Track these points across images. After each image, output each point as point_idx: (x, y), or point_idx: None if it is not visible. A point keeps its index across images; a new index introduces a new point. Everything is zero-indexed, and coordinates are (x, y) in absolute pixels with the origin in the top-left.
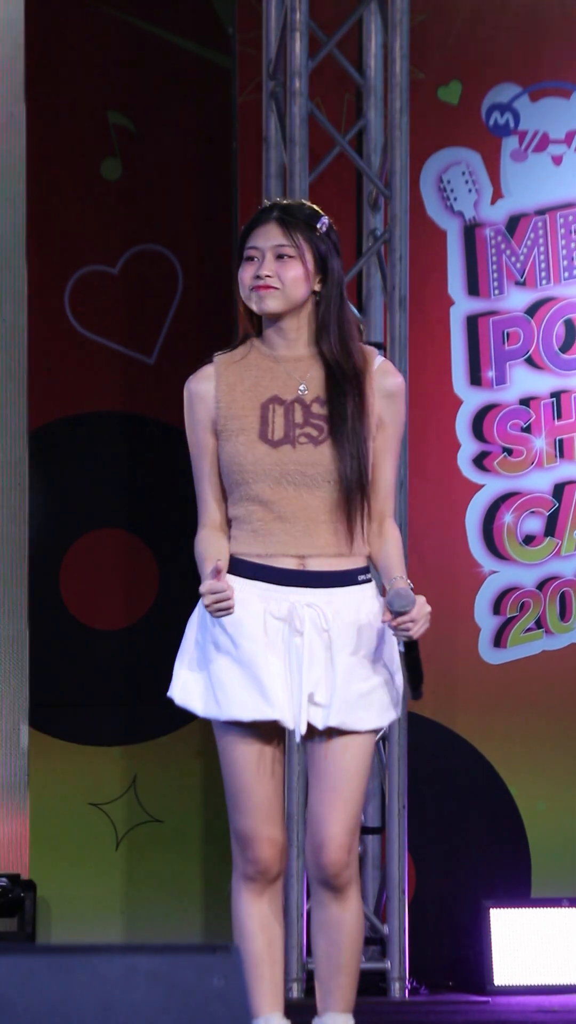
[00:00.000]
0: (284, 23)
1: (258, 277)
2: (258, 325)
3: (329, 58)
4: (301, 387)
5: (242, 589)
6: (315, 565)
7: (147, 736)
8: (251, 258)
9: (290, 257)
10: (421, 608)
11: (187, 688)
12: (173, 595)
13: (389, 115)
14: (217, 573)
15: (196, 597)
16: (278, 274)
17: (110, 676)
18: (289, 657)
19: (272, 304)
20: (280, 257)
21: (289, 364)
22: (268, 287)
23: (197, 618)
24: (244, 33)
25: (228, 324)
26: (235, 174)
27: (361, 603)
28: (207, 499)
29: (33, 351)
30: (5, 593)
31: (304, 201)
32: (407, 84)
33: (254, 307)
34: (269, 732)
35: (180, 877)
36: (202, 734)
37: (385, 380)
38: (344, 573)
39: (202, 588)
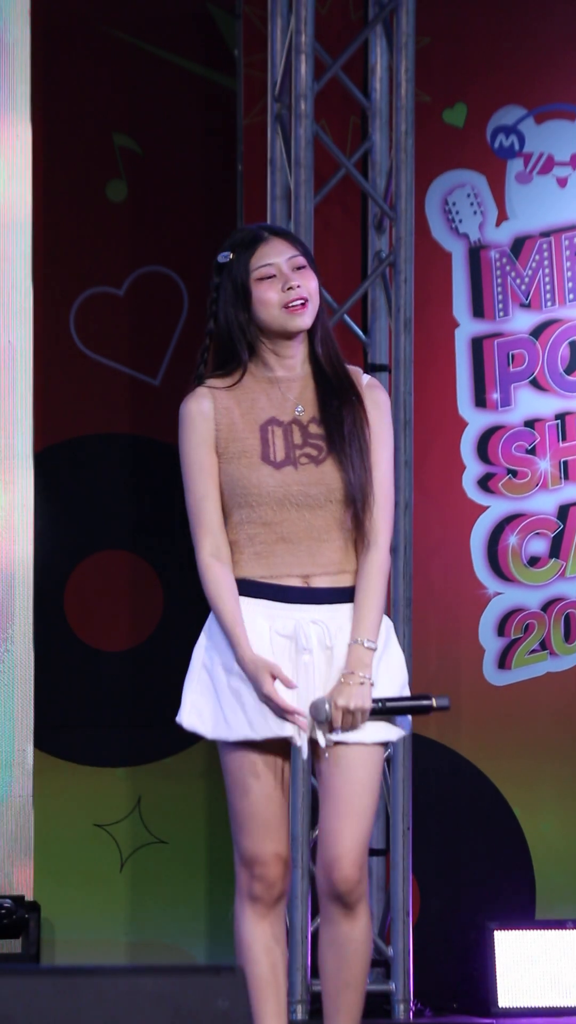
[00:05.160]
0: (289, 45)
1: (290, 289)
2: (251, 345)
3: (334, 81)
4: (298, 409)
5: (247, 608)
6: (319, 582)
7: (152, 757)
8: (269, 276)
9: (304, 268)
10: (342, 718)
11: (195, 712)
12: (178, 617)
13: (394, 137)
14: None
15: (201, 619)
16: (304, 285)
17: (115, 697)
18: (296, 674)
19: (308, 319)
20: (297, 269)
21: (283, 384)
22: (303, 300)
23: (204, 642)
24: (249, 55)
25: None
26: (240, 196)
27: None
28: (209, 521)
29: (39, 372)
30: (10, 614)
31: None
32: (412, 106)
33: (285, 326)
34: (276, 751)
35: (185, 898)
36: (206, 755)
37: (372, 393)
38: (347, 590)
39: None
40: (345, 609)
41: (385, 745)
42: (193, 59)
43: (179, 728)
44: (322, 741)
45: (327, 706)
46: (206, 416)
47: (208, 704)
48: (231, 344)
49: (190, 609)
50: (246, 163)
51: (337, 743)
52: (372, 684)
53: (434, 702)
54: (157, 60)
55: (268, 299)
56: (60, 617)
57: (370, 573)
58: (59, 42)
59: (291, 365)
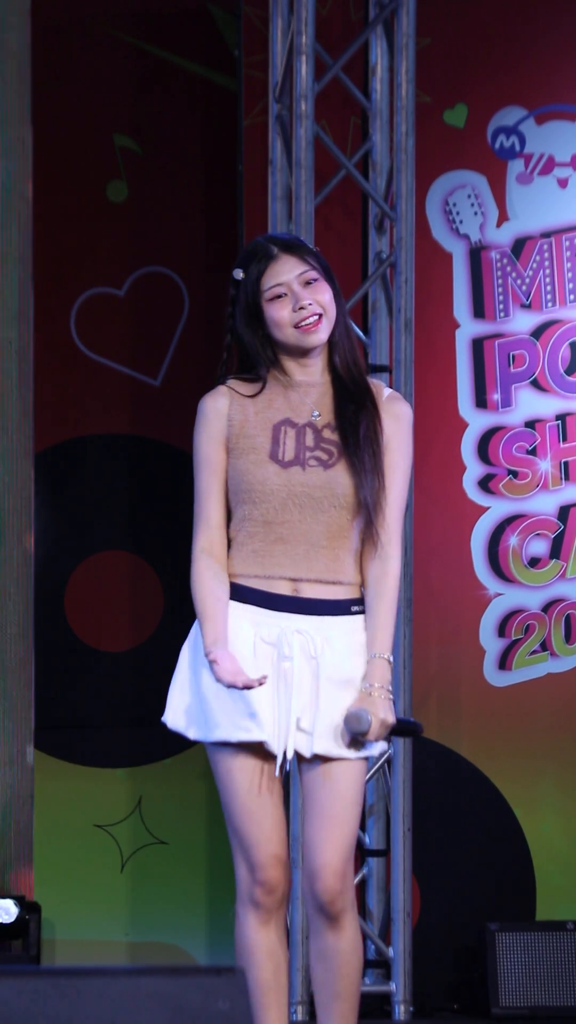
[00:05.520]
0: (290, 46)
1: (302, 308)
2: (270, 358)
3: (335, 81)
4: (315, 413)
5: (235, 613)
6: (309, 592)
7: (152, 758)
8: (280, 295)
9: (316, 281)
10: (377, 730)
11: (177, 711)
12: (178, 617)
13: (395, 138)
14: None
15: None
16: (316, 301)
17: (115, 697)
18: (277, 682)
19: (323, 334)
20: (308, 284)
21: (302, 389)
22: (316, 316)
23: (191, 641)
24: (250, 56)
25: None
26: (241, 197)
27: (352, 634)
28: (208, 517)
29: (39, 373)
30: (10, 614)
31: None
32: (413, 107)
33: (300, 344)
34: (262, 753)
35: (185, 899)
36: (207, 756)
37: (393, 405)
38: (337, 603)
39: (226, 679)
40: (332, 621)
41: (367, 759)
42: (194, 60)
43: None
44: (306, 753)
45: (368, 716)
46: (220, 413)
47: (189, 705)
48: (250, 359)
49: (190, 609)
50: (247, 164)
51: (316, 756)
52: (392, 698)
53: (418, 727)
54: (158, 61)
55: (280, 319)
56: (60, 617)
57: (384, 585)
58: (60, 42)
59: (311, 371)
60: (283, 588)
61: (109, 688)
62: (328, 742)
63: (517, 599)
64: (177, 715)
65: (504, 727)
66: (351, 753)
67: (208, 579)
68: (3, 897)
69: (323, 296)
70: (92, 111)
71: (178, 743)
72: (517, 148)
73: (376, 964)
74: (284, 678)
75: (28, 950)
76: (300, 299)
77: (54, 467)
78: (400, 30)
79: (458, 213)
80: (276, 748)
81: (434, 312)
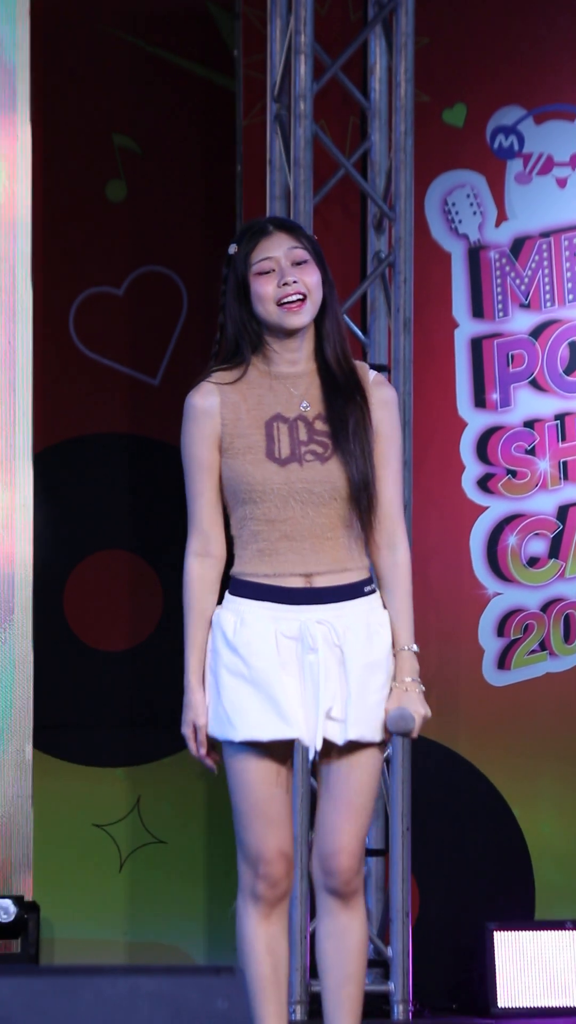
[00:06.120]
0: (289, 46)
1: (286, 284)
2: (255, 337)
3: (334, 81)
4: (304, 405)
5: (251, 610)
6: (322, 581)
7: (151, 757)
8: (267, 270)
9: (306, 262)
10: (420, 726)
11: None
12: (177, 617)
13: (394, 138)
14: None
15: None
16: (302, 280)
17: (114, 697)
18: (303, 675)
19: (306, 317)
20: (297, 264)
21: (289, 381)
22: (299, 296)
23: (208, 643)
24: (249, 56)
25: None
26: (239, 196)
27: (370, 614)
28: (200, 519)
29: (38, 372)
30: (9, 614)
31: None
32: (412, 107)
33: (281, 323)
34: (281, 750)
35: (183, 898)
36: None
37: (380, 391)
38: (351, 586)
39: (185, 731)
40: (350, 606)
41: (384, 745)
42: (193, 59)
43: (178, 728)
44: (340, 742)
45: (411, 714)
46: (210, 413)
47: (212, 705)
48: (235, 338)
49: None
50: (245, 163)
51: (344, 747)
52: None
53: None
54: (157, 60)
55: (264, 293)
56: (59, 617)
57: (395, 575)
58: (59, 42)
59: (295, 360)
60: (296, 582)
61: (108, 687)
62: (362, 728)
63: (516, 599)
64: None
65: (503, 726)
66: (380, 737)
67: (197, 589)
68: (1, 896)
69: (310, 278)
70: (91, 110)
71: (177, 742)
72: (516, 148)
73: (375, 963)
74: (310, 671)
75: (27, 949)
76: (286, 275)
77: (53, 466)
78: (399, 30)
79: (457, 213)
80: (308, 742)
81: (433, 312)
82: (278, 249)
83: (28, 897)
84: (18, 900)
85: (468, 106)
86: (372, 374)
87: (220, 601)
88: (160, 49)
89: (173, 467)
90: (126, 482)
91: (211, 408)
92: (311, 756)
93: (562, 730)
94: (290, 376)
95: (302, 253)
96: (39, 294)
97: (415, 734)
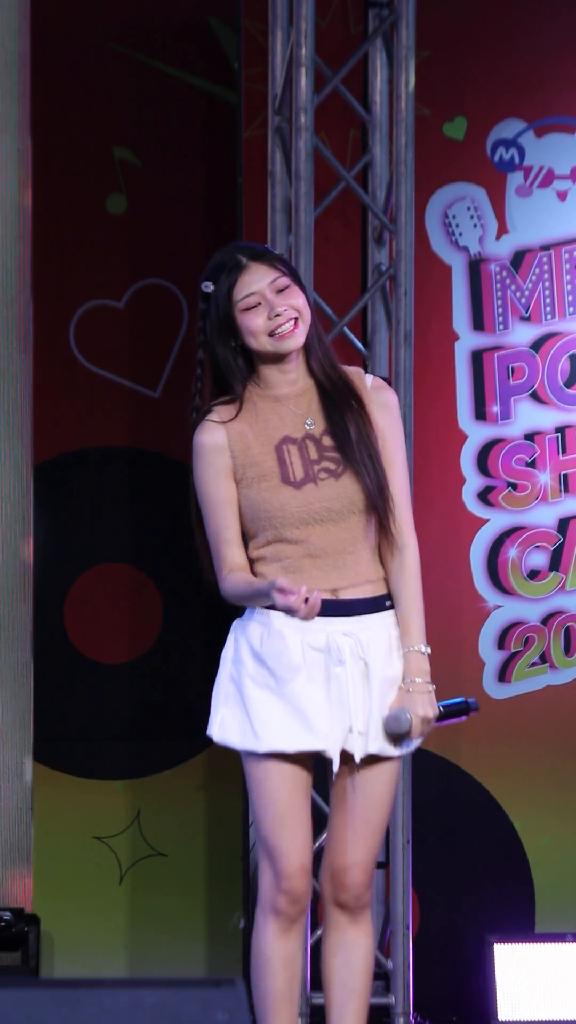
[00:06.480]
0: (290, 59)
1: (277, 315)
2: (244, 370)
3: (334, 94)
4: (308, 422)
5: (277, 621)
6: (347, 594)
7: (151, 770)
8: (253, 305)
9: (289, 287)
10: (419, 727)
11: (224, 724)
12: (177, 630)
13: (394, 150)
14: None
15: (201, 632)
16: (290, 306)
17: (114, 710)
18: (330, 687)
19: (301, 338)
20: (280, 291)
21: (291, 400)
22: (292, 321)
23: (231, 654)
24: (249, 69)
25: None
26: (240, 209)
27: (389, 628)
28: (231, 547)
29: (38, 385)
30: (10, 627)
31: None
32: (412, 120)
33: (276, 350)
34: (304, 762)
35: (184, 911)
36: (206, 768)
37: (380, 395)
38: (374, 600)
39: (283, 602)
40: (376, 619)
41: (399, 761)
42: (193, 72)
43: (178, 741)
44: (358, 755)
45: (407, 716)
46: (220, 448)
47: (236, 716)
48: (223, 376)
49: (190, 622)
50: (246, 176)
51: (363, 761)
52: (433, 688)
53: (470, 704)
54: (157, 73)
55: (255, 327)
56: (60, 629)
57: (407, 577)
58: (59, 55)
59: (292, 380)
60: (323, 596)
61: (108, 700)
62: (382, 741)
63: (516, 611)
64: (223, 728)
65: (503, 739)
66: (398, 751)
67: (243, 577)
68: (2, 908)
69: (297, 300)
70: (92, 123)
71: (177, 755)
72: (516, 161)
73: (376, 976)
74: (337, 683)
75: (27, 962)
76: (275, 306)
77: (53, 479)
78: (400, 43)
79: (457, 226)
80: (334, 755)
81: (434, 324)
82: (260, 282)
83: (28, 909)
84: (18, 912)
85: (469, 119)
86: (369, 378)
87: (239, 612)
88: (161, 62)
89: (174, 480)
90: (126, 495)
91: (220, 443)
92: (335, 768)
93: (563, 743)
94: (291, 396)
95: (283, 280)
96: (39, 306)
97: (415, 735)
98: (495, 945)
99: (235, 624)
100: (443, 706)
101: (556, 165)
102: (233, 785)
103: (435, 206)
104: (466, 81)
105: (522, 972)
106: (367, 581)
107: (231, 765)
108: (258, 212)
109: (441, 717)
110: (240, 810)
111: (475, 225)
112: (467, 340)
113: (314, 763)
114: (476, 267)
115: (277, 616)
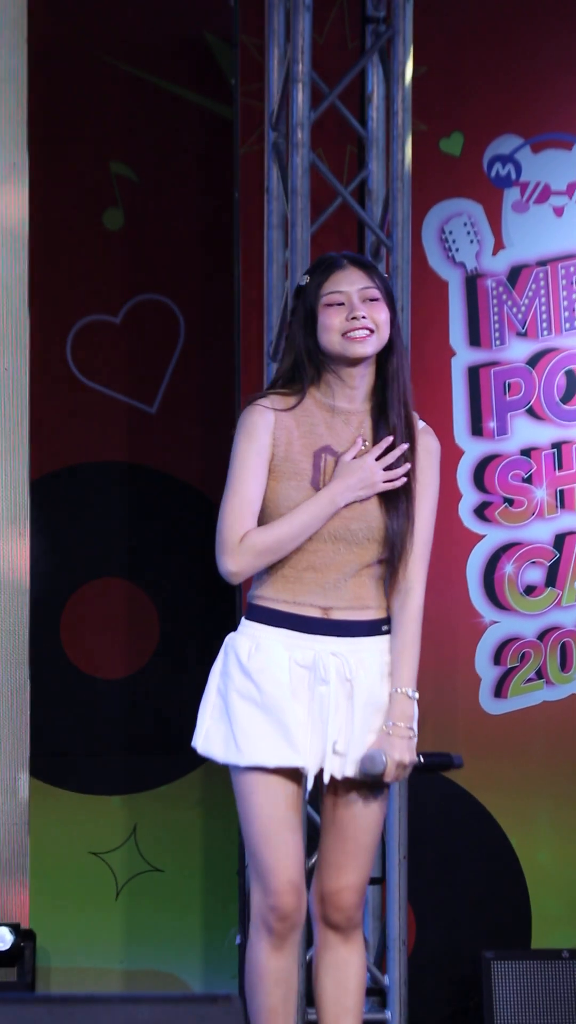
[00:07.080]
0: (286, 74)
1: (355, 319)
2: (314, 371)
3: (331, 109)
4: (363, 442)
5: (267, 636)
6: (339, 615)
7: (147, 786)
8: (337, 303)
9: (376, 300)
10: (393, 771)
11: (208, 736)
12: (174, 645)
13: (391, 166)
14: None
15: (197, 646)
16: (371, 316)
17: (110, 725)
18: (312, 705)
19: (369, 348)
20: (368, 301)
21: (343, 416)
22: (367, 330)
23: (219, 667)
24: (246, 84)
25: (230, 373)
26: (236, 224)
27: (384, 654)
28: (252, 518)
29: (35, 400)
30: (6, 642)
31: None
32: (409, 136)
33: (344, 352)
34: (290, 778)
35: (180, 926)
36: (203, 784)
37: (425, 440)
38: (369, 623)
39: (360, 467)
40: (366, 642)
41: (389, 785)
42: (190, 88)
43: (174, 756)
44: (336, 775)
45: (383, 758)
46: (268, 426)
47: (220, 729)
48: (296, 367)
49: (186, 637)
50: (243, 192)
51: (346, 779)
52: (416, 736)
53: (454, 760)
54: (154, 89)
55: (330, 325)
56: (56, 645)
57: (406, 620)
58: (56, 70)
59: (353, 396)
60: (313, 612)
61: (104, 716)
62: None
63: (513, 627)
64: (209, 740)
65: (500, 755)
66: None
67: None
68: None
69: (379, 315)
70: (89, 139)
71: (173, 770)
72: (513, 176)
73: (371, 992)
74: (320, 702)
75: (23, 977)
76: (355, 309)
77: (50, 494)
78: (396, 59)
79: (454, 241)
80: (311, 772)
81: (430, 340)
82: (351, 285)
83: (24, 925)
84: (14, 928)
85: (465, 135)
86: (420, 423)
87: (235, 627)
88: (158, 78)
89: (170, 495)
90: (123, 510)
91: (267, 425)
92: (309, 786)
93: (559, 758)
94: (345, 412)
95: (374, 292)
96: (36, 322)
97: (389, 778)
98: (491, 961)
99: (227, 638)
100: (425, 757)
101: (552, 181)
102: (229, 800)
103: (432, 222)
104: (463, 97)
105: (518, 988)
106: (365, 606)
107: (227, 780)
108: (255, 228)
109: (422, 768)
110: (236, 825)
111: (472, 241)
112: (463, 356)
113: (307, 779)
114: (473, 283)
115: (267, 631)
